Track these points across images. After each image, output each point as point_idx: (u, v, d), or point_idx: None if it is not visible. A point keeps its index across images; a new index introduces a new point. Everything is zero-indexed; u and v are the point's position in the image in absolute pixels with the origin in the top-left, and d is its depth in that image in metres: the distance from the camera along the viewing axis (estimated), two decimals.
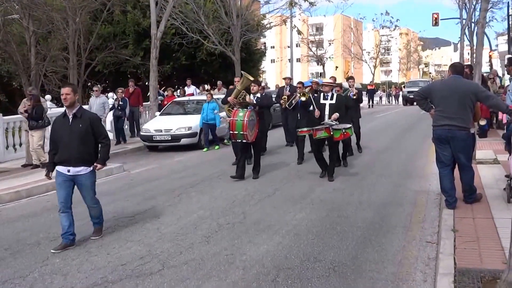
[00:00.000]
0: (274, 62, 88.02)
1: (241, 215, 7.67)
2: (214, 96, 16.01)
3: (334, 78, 14.99)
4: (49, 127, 14.32)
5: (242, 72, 10.74)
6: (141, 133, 16.20)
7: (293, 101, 13.68)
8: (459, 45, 34.80)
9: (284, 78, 16.65)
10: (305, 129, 10.18)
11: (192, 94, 21.62)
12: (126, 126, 18.52)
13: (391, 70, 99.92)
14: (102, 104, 16.09)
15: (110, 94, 20.77)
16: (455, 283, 4.69)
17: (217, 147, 15.53)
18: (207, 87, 31.56)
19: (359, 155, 13.08)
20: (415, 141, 15.87)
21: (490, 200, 7.48)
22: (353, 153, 12.88)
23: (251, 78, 11.22)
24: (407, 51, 72.84)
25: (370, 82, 43.72)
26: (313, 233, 6.68)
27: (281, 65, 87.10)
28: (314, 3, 25.51)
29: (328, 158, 10.07)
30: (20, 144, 14.34)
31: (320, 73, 49.19)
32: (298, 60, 66.30)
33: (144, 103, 19.89)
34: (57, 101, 21.78)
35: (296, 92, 13.44)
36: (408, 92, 41.04)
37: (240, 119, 9.98)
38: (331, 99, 10.03)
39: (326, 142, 10.27)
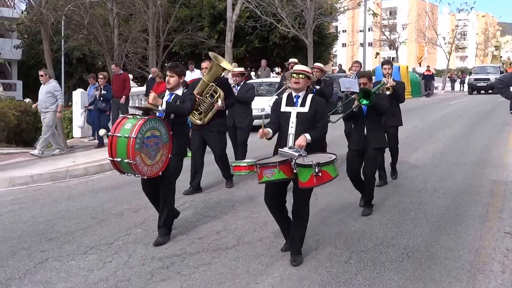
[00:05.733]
0: (345, 46, 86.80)
1: (313, 197, 7.66)
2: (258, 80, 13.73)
3: (359, 64, 10.99)
4: None
5: (211, 53, 7.86)
6: None
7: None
8: None
9: (289, 63, 10.86)
10: (243, 163, 5.18)
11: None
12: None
13: (467, 56, 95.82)
14: (51, 92, 11.65)
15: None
16: None
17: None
18: (277, 70, 31.65)
19: (434, 140, 12.76)
20: (492, 129, 15.26)
21: None
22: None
23: (224, 65, 7.93)
24: (485, 37, 69.58)
25: (428, 67, 40.45)
26: (386, 218, 6.67)
27: (353, 49, 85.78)
28: None
29: (292, 223, 5.49)
30: None
31: (393, 57, 47.83)
32: (370, 44, 65.02)
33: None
34: (138, 81, 22.56)
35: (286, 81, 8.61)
36: (475, 79, 35.43)
37: (124, 136, 5.45)
38: (302, 104, 5.40)
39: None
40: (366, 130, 6.86)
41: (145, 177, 5.68)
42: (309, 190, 5.31)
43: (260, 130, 5.25)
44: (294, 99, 5.44)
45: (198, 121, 7.98)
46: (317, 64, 9.65)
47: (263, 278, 4.89)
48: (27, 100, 18.94)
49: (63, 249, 5.76)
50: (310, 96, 5.45)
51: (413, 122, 15.86)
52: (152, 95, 5.79)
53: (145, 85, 17.80)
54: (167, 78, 6.12)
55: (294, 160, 4.92)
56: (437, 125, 16.40)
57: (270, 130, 5.34)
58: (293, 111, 5.37)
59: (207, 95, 7.86)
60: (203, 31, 27.08)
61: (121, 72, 14.81)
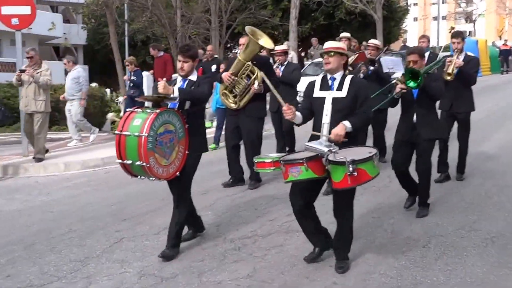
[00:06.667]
0: (416, 20, 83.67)
1: (387, 179, 7.43)
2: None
3: (426, 38, 8.55)
4: None
5: (248, 28, 6.87)
6: None
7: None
8: None
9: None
10: (267, 159, 4.80)
11: None
12: None
13: None
14: (76, 80, 11.16)
15: (146, 73, 14.71)
16: None
17: (213, 146, 10.05)
18: None
19: None
20: None
21: None
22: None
23: (262, 42, 6.80)
24: None
25: (505, 41, 36.59)
26: (466, 202, 6.34)
27: (425, 24, 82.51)
28: None
29: (337, 229, 4.66)
30: None
31: (470, 31, 45.43)
32: (444, 18, 62.25)
33: None
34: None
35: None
36: None
37: (133, 134, 4.53)
38: (339, 88, 4.61)
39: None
40: (416, 117, 5.75)
41: (161, 180, 4.83)
42: (351, 191, 4.49)
43: (285, 107, 4.49)
44: (330, 82, 4.64)
45: (232, 105, 7.09)
46: (372, 41, 8.39)
47: None
48: (94, 84, 19.50)
49: (137, 229, 5.87)
50: (348, 77, 4.62)
51: (493, 101, 15.09)
52: (161, 83, 4.76)
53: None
54: (180, 64, 5.11)
55: (325, 156, 4.19)
56: None
57: (294, 109, 4.54)
58: (328, 96, 4.56)
59: (243, 76, 6.90)
60: (266, 9, 26.73)
61: (161, 54, 13.84)
